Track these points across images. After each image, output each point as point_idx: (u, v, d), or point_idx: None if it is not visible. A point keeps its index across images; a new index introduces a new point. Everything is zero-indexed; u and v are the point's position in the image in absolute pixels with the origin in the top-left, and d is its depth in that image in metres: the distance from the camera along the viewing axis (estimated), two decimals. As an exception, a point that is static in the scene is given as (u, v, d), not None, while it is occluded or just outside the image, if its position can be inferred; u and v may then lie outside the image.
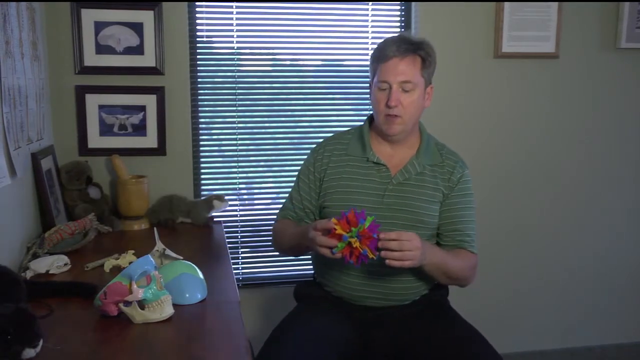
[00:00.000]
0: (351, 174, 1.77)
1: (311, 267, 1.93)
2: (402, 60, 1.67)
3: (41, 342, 1.11)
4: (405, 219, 1.71)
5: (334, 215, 1.75)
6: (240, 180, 2.61)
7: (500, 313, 2.84)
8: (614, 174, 2.88)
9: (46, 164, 2.06)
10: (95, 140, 2.37)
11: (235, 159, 2.59)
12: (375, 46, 1.77)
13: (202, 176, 2.56)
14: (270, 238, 1.93)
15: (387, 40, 1.72)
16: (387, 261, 1.50)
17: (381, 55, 1.70)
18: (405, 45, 1.68)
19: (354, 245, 1.47)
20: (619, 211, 2.91)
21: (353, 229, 1.47)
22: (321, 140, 1.93)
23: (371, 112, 1.83)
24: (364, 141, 1.79)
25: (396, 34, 1.77)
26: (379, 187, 1.74)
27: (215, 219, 2.36)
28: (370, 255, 1.48)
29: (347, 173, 1.77)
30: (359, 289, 1.72)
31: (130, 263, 1.57)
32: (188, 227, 2.30)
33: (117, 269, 1.66)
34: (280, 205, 1.93)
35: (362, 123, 1.87)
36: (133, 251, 1.75)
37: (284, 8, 2.53)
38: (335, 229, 1.48)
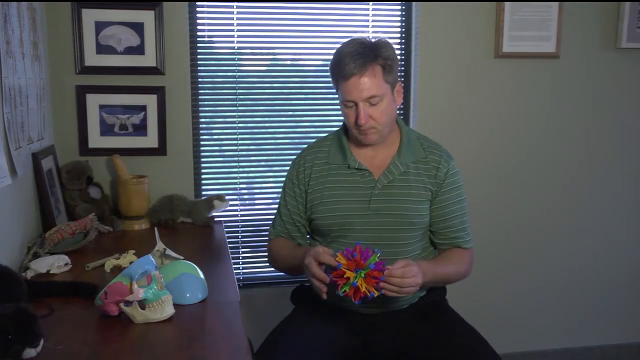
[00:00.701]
0: (335, 183, 1.74)
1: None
2: (362, 75, 1.59)
3: (42, 342, 1.11)
4: (394, 222, 1.69)
5: (323, 227, 1.75)
6: (241, 180, 2.62)
7: (500, 313, 2.84)
8: (614, 174, 2.88)
9: (47, 163, 2.06)
10: (95, 140, 2.38)
11: (236, 158, 2.59)
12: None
13: (203, 176, 2.56)
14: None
15: (341, 54, 1.63)
16: (383, 291, 1.48)
17: (339, 72, 1.62)
18: (361, 59, 1.59)
19: (362, 290, 1.45)
20: (619, 211, 2.91)
21: (361, 271, 1.45)
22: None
23: None
24: (344, 147, 1.76)
25: (348, 42, 1.65)
26: (364, 192, 1.71)
27: (215, 219, 2.36)
28: (376, 294, 1.47)
29: (331, 182, 1.74)
30: None
31: (130, 263, 1.58)
32: (189, 227, 2.30)
33: (117, 269, 1.66)
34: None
35: (339, 126, 1.83)
36: (134, 251, 1.75)
37: (285, 8, 2.53)
38: (345, 272, 1.45)
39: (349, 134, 1.78)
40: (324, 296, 1.52)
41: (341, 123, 1.88)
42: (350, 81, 1.61)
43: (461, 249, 1.77)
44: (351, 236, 1.68)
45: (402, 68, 2.65)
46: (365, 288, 1.45)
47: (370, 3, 2.59)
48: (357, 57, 1.60)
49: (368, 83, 1.60)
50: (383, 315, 1.72)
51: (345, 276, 1.45)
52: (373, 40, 1.66)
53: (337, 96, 2.57)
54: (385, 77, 1.63)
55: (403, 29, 2.64)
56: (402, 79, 2.64)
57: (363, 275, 1.45)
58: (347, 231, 1.70)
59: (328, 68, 2.56)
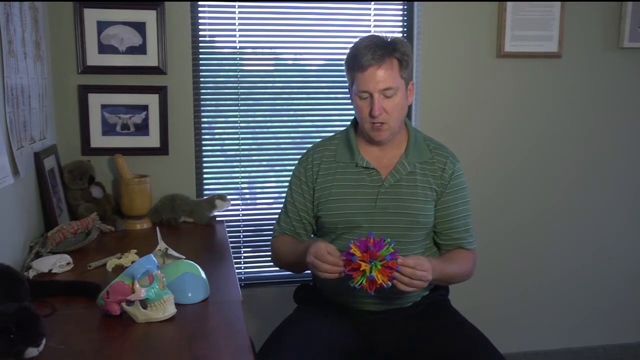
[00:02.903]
0: (342, 181, 1.75)
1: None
2: (379, 67, 1.62)
3: (44, 341, 1.11)
4: (400, 221, 1.70)
5: (329, 224, 1.74)
6: (243, 180, 2.62)
7: (502, 313, 2.84)
8: (616, 174, 2.87)
9: (49, 163, 2.07)
10: (97, 139, 2.38)
11: (238, 158, 2.59)
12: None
13: (205, 176, 2.56)
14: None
15: (359, 47, 1.66)
16: (394, 281, 1.49)
17: (357, 64, 1.64)
18: (380, 51, 1.62)
19: (379, 282, 1.45)
20: (621, 211, 2.90)
21: (377, 262, 1.44)
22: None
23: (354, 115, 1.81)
24: (352, 146, 1.76)
25: (366, 37, 1.69)
26: (371, 191, 1.72)
27: (217, 219, 2.36)
28: (389, 283, 1.47)
29: (338, 180, 1.75)
30: (359, 294, 1.70)
31: (132, 262, 1.57)
32: (190, 227, 2.30)
33: (119, 269, 1.66)
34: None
35: (347, 125, 1.84)
36: (135, 250, 1.75)
37: (287, 7, 2.53)
38: (360, 265, 1.45)
39: (357, 133, 1.79)
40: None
41: (344, 123, 1.89)
42: (367, 72, 1.63)
43: (465, 250, 1.77)
44: (357, 234, 1.68)
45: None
46: (381, 279, 1.45)
47: (372, 3, 2.59)
48: (375, 49, 1.63)
49: (384, 75, 1.63)
50: (386, 313, 1.72)
51: (361, 269, 1.45)
52: (389, 39, 1.68)
53: (338, 96, 2.62)
54: (401, 72, 1.66)
55: (405, 29, 2.64)
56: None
57: (379, 266, 1.44)
58: (353, 229, 1.71)
59: (330, 68, 2.63)
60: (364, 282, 1.45)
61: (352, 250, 1.46)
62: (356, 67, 1.65)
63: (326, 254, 1.51)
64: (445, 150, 1.80)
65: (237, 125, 2.57)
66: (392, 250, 1.46)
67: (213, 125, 2.58)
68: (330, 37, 2.59)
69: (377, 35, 1.69)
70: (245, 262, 2.66)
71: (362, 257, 1.45)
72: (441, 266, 1.65)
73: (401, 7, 2.63)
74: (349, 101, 1.80)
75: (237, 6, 2.49)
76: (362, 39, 1.69)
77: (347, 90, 1.77)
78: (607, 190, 2.88)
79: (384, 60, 1.63)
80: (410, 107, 2.65)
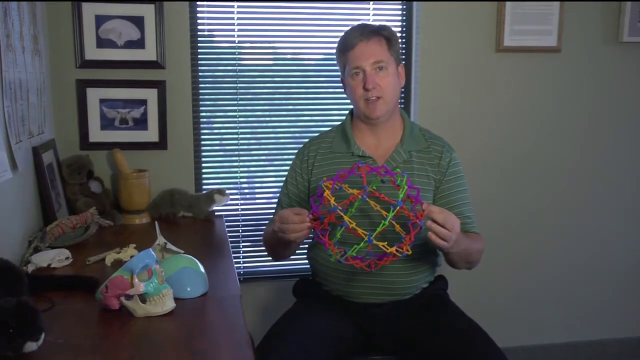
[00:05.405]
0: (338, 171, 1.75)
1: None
2: (368, 42, 1.70)
3: (43, 336, 1.11)
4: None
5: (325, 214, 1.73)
6: (242, 175, 2.62)
7: (501, 307, 2.85)
8: (616, 170, 2.87)
9: (47, 157, 2.06)
10: (96, 134, 2.37)
11: (237, 153, 2.59)
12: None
13: (204, 170, 2.56)
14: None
15: (347, 32, 1.76)
16: (429, 234, 1.43)
17: (347, 44, 1.73)
18: (367, 29, 1.72)
19: (390, 251, 1.01)
20: (620, 205, 2.91)
21: (390, 212, 0.91)
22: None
23: (351, 107, 1.84)
24: (347, 136, 1.79)
25: (353, 26, 1.79)
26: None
27: (216, 213, 2.36)
28: (406, 250, 1.13)
29: (334, 170, 1.75)
30: (357, 285, 1.71)
31: (131, 257, 1.58)
32: (189, 221, 2.30)
33: (118, 263, 1.66)
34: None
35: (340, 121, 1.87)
36: (134, 245, 1.75)
37: (286, 5, 2.53)
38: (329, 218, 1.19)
39: (354, 123, 1.81)
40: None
41: (342, 119, 1.89)
42: (357, 48, 1.70)
43: (475, 233, 1.76)
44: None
45: (404, 63, 2.65)
46: (395, 247, 1.02)
47: (371, 3, 2.59)
48: (362, 29, 1.73)
49: (374, 49, 1.70)
50: (385, 306, 1.73)
51: (350, 227, 0.96)
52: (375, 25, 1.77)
53: (337, 92, 2.61)
54: (389, 49, 1.72)
55: (404, 28, 2.63)
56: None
57: (386, 223, 0.96)
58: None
59: (328, 63, 2.61)
60: (353, 254, 0.97)
61: (325, 195, 0.98)
62: (346, 47, 1.72)
63: (292, 215, 1.52)
64: (441, 140, 1.82)
65: (236, 120, 2.57)
66: (406, 186, 0.95)
67: (212, 119, 2.57)
68: (329, 35, 2.58)
69: (363, 22, 1.79)
70: (244, 257, 2.66)
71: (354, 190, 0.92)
72: (462, 235, 1.58)
73: (400, 6, 2.62)
74: (347, 97, 1.81)
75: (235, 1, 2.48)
76: (351, 27, 1.78)
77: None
78: (606, 184, 2.88)
79: (371, 37, 1.71)
80: (409, 102, 2.67)
